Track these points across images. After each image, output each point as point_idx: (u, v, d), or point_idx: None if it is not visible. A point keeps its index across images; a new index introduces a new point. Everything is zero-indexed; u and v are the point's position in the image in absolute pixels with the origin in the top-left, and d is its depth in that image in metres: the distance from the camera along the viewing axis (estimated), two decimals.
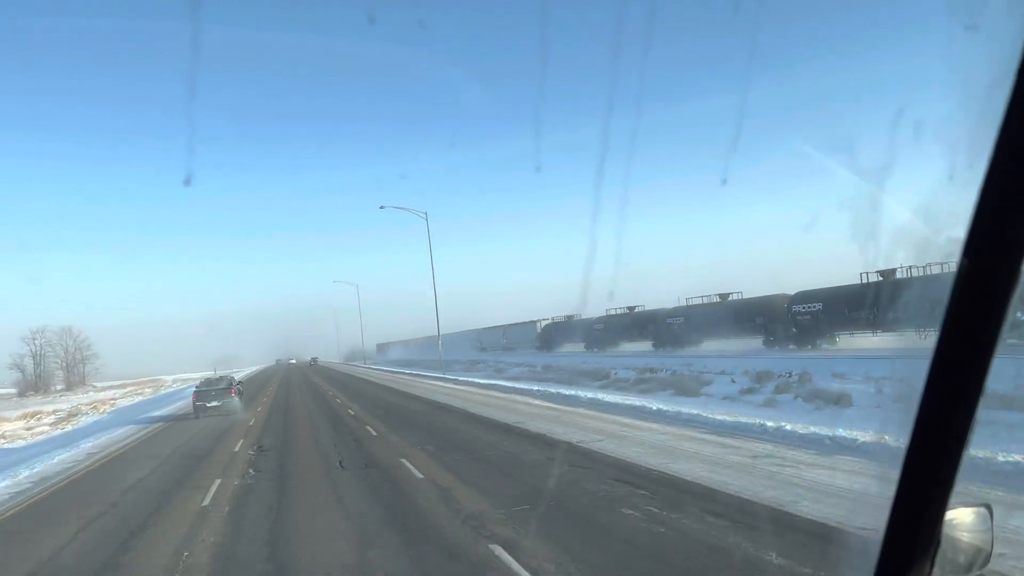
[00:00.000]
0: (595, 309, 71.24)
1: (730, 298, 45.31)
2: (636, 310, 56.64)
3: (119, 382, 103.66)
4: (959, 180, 1.11)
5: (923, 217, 1.31)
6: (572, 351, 63.92)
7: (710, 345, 47.37)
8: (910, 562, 1.29)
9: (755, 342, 42.50)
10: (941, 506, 1.27)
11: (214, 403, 30.42)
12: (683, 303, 49.13)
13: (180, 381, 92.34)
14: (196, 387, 33.35)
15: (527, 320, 77.60)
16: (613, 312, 58.97)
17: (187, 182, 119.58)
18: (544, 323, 73.65)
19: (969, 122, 1.10)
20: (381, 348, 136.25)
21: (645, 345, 54.59)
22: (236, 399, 31.61)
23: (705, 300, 47.12)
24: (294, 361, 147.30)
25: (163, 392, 67.24)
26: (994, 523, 1.49)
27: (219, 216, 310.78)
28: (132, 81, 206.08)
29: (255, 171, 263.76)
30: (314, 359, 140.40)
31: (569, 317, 68.79)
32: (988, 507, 1.49)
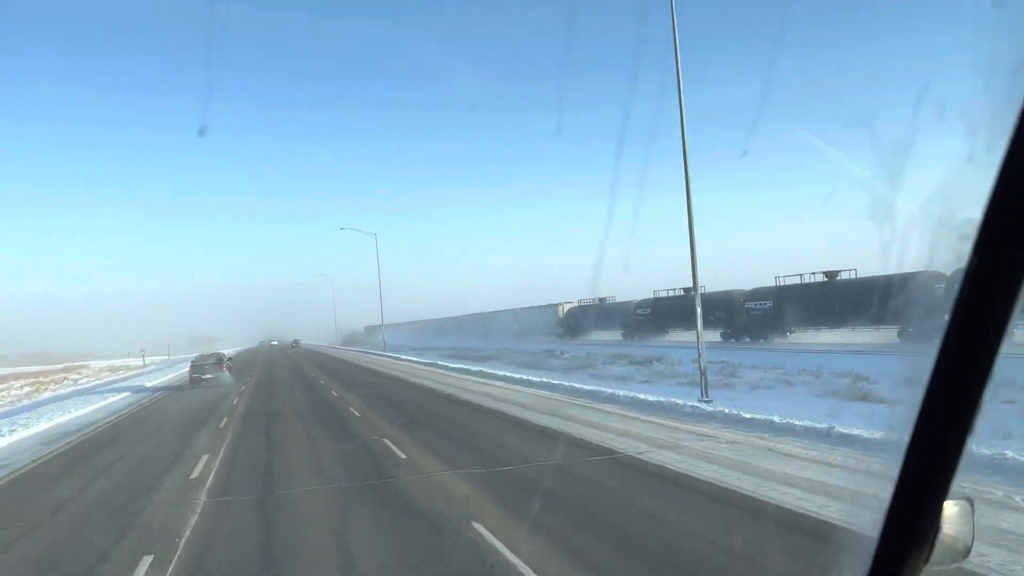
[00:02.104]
0: (589, 294, 61.99)
1: (840, 277, 35.20)
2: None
3: (15, 370, 73.32)
4: (978, 162, 1.10)
5: (940, 198, 1.28)
6: (606, 339, 53.72)
7: (803, 337, 37.37)
8: (907, 556, 1.29)
9: (879, 334, 32.48)
10: (939, 500, 1.28)
11: (208, 375, 33.38)
12: (773, 283, 38.85)
13: (110, 370, 66.95)
14: (192, 361, 36.49)
15: (545, 303, 67.33)
16: (664, 295, 48.78)
17: (202, 132, 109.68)
18: (568, 306, 63.40)
19: (992, 103, 1.08)
20: (371, 331, 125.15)
21: (708, 334, 44.40)
22: (227, 373, 34.71)
23: (804, 280, 36.99)
24: (275, 343, 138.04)
25: (43, 397, 37.72)
26: (975, 516, 1.44)
27: (199, 180, 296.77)
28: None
29: (235, 125, 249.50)
30: (295, 341, 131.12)
31: (602, 300, 58.55)
32: (970, 500, 1.45)
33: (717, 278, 52.92)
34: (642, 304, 50.71)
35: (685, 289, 47.08)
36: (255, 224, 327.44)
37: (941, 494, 1.28)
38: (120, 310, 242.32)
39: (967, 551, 1.42)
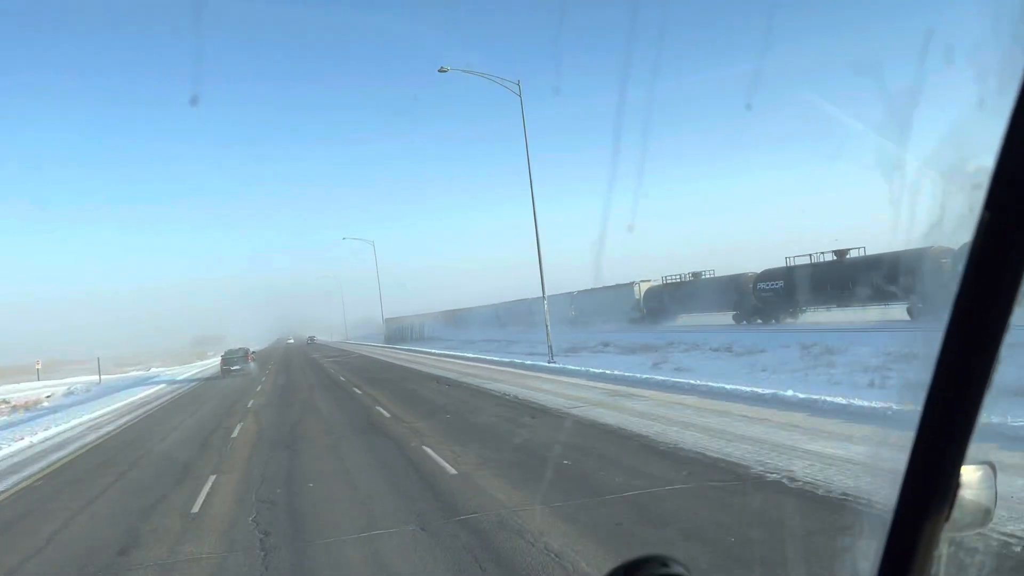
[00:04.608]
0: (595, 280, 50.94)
1: None
2: (852, 255, 34.97)
3: None
4: (989, 108, 1.07)
5: (951, 146, 1.25)
6: (714, 324, 42.36)
7: None
8: (925, 521, 1.28)
9: None
10: (956, 465, 1.27)
11: (236, 367, 42.30)
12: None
13: None
14: (223, 355, 45.16)
15: (613, 283, 55.99)
16: (803, 262, 37.38)
17: (193, 101, 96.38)
18: (647, 285, 52.16)
19: (1001, 46, 1.06)
20: (391, 323, 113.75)
21: (874, 312, 33.12)
22: (252, 364, 44.28)
23: None
24: (292, 341, 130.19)
25: None
26: (997, 481, 1.38)
27: (205, 173, 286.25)
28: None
29: (241, 108, 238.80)
30: (311, 338, 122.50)
31: (695, 274, 47.25)
32: (992, 465, 1.40)
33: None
34: (766, 276, 39.34)
35: (837, 252, 35.66)
36: (262, 218, 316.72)
37: (958, 459, 1.26)
38: (119, 312, 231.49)
39: (988, 516, 1.38)
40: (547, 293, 73.68)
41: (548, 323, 30.26)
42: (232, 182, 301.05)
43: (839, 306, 35.30)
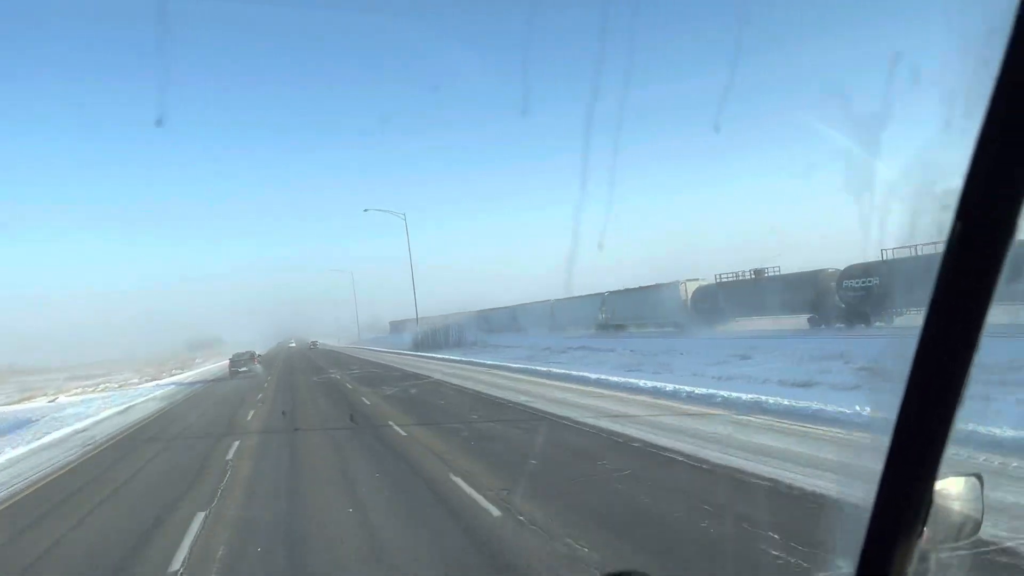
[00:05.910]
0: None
1: None
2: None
3: None
4: (956, 130, 1.08)
5: (919, 168, 1.26)
6: (787, 328, 36.67)
7: None
8: (899, 528, 1.26)
9: None
10: (931, 474, 1.25)
11: (243, 368, 46.49)
12: None
13: None
14: (231, 358, 49.78)
15: (651, 283, 50.31)
16: (903, 255, 31.74)
17: (159, 123, 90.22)
18: (695, 285, 46.48)
19: (967, 69, 1.06)
20: (396, 328, 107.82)
21: (1002, 313, 27.50)
22: (258, 366, 48.65)
23: None
24: (293, 344, 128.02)
25: None
26: (984, 492, 1.38)
27: (201, 174, 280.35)
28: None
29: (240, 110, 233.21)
30: (313, 343, 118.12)
31: (758, 272, 41.59)
32: (979, 476, 1.41)
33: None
34: (854, 272, 33.70)
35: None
36: (261, 219, 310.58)
37: (932, 469, 1.23)
38: (114, 315, 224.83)
39: (977, 527, 1.32)
40: (543, 298, 66.03)
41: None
42: (231, 181, 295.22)
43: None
